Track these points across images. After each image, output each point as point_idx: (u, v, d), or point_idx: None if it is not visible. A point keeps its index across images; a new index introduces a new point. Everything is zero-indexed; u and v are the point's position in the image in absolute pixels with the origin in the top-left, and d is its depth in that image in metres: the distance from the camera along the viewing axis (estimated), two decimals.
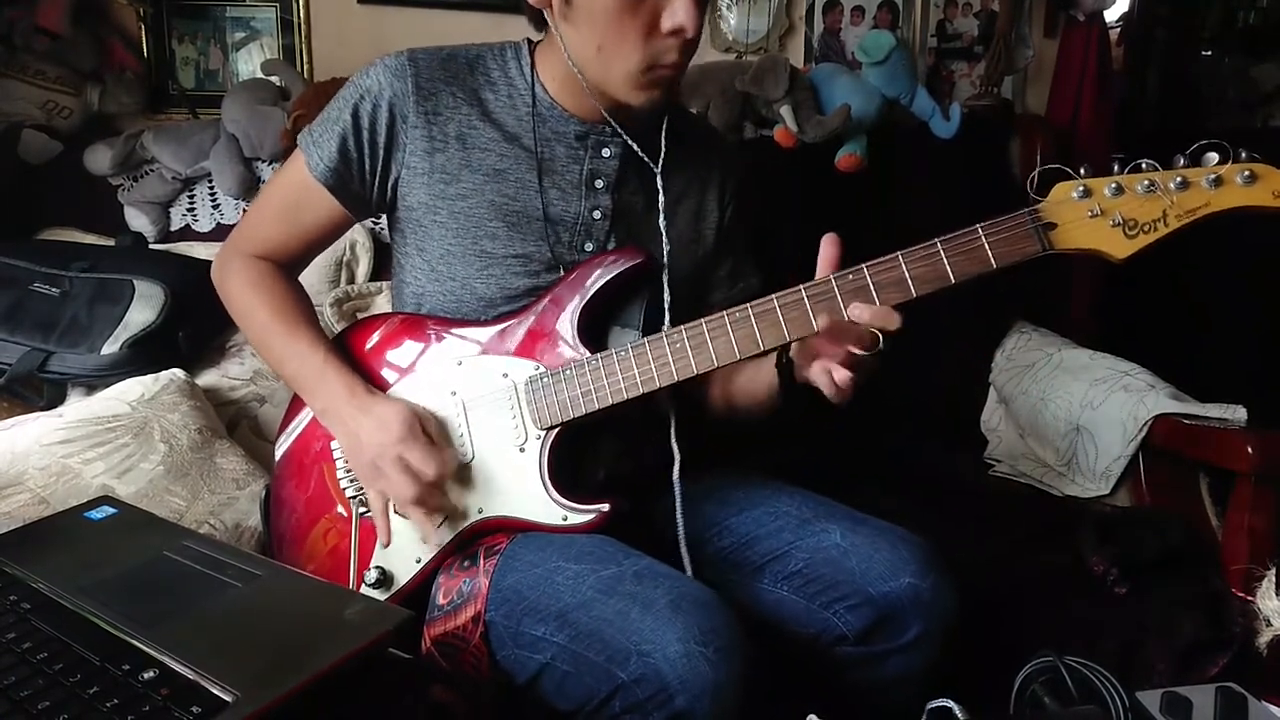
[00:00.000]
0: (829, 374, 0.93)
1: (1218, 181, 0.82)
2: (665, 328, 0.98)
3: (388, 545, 1.00)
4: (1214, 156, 0.83)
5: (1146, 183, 0.84)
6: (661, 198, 1.04)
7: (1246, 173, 0.82)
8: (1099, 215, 0.85)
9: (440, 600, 0.97)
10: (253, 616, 0.76)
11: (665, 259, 1.03)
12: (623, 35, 0.93)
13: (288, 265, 1.12)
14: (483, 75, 1.06)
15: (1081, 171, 0.86)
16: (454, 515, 1.00)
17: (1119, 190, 0.84)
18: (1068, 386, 1.67)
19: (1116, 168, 0.85)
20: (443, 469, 0.96)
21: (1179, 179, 0.83)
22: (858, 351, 0.90)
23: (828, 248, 0.93)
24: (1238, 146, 0.83)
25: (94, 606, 0.75)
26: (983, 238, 0.87)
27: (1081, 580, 1.34)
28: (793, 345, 0.99)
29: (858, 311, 0.88)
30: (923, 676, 0.99)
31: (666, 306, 1.00)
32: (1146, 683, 1.19)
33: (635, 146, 1.04)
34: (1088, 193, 0.85)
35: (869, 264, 0.90)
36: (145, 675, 0.66)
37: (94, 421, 1.27)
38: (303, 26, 1.80)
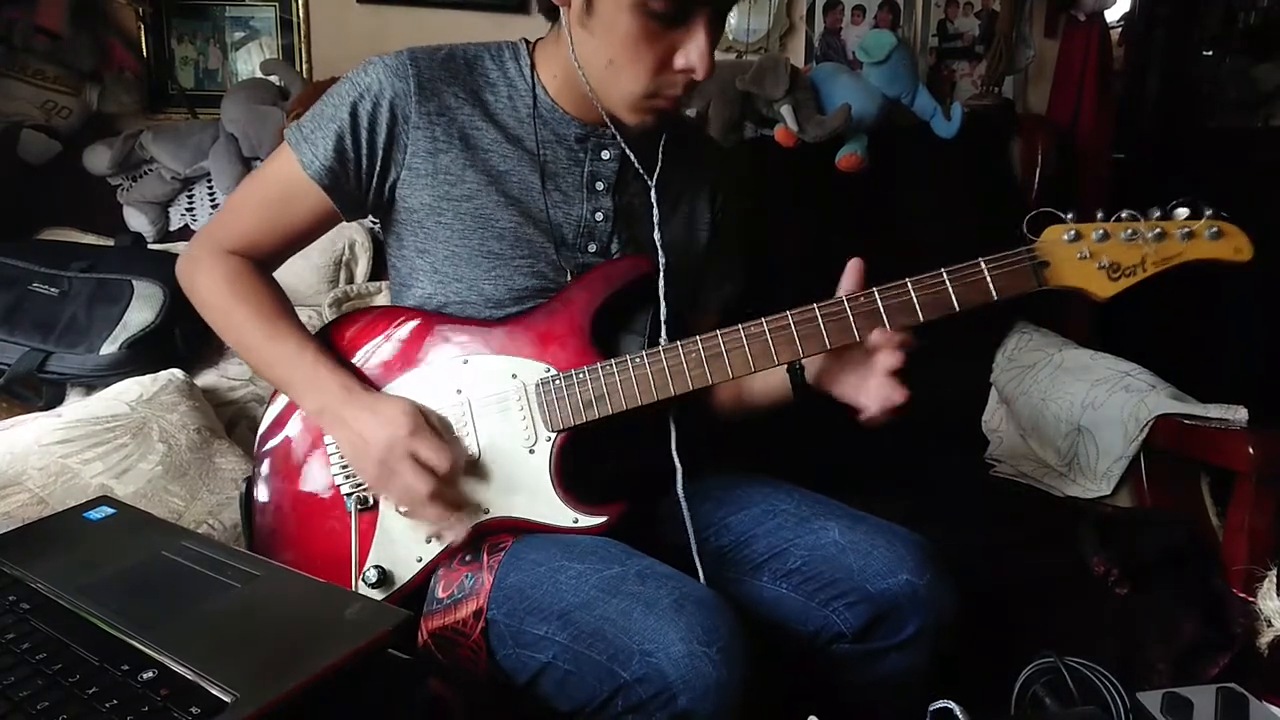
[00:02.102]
0: (879, 392, 1.00)
1: (1189, 235, 0.92)
2: (663, 340, 0.99)
3: (447, 539, 0.99)
4: (1184, 211, 0.93)
5: (1129, 231, 0.93)
6: (655, 211, 1.03)
7: (1214, 229, 0.92)
8: (1088, 258, 0.94)
9: (440, 594, 0.96)
10: (252, 617, 0.76)
11: (661, 270, 1.02)
12: (635, 60, 0.93)
13: (264, 261, 1.08)
14: (482, 75, 1.05)
15: (1069, 216, 0.94)
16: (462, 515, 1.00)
17: (1105, 236, 0.94)
18: (1069, 387, 1.67)
19: (1100, 215, 0.95)
20: (456, 461, 0.95)
21: (1157, 230, 0.92)
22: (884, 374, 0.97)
23: (852, 274, 0.98)
24: (1204, 206, 0.93)
25: (93, 607, 0.75)
26: (985, 272, 0.94)
27: (1082, 580, 1.34)
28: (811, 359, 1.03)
29: (877, 336, 0.95)
30: (921, 674, 0.99)
31: (663, 319, 1.00)
32: (1147, 683, 1.20)
33: (632, 156, 1.04)
34: (1078, 236, 0.94)
35: (880, 289, 0.95)
36: (144, 675, 0.66)
37: (93, 421, 1.27)
38: (302, 26, 1.80)
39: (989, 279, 0.94)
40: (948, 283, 0.94)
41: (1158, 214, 0.93)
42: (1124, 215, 0.93)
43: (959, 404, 1.89)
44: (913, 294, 0.94)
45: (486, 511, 1.00)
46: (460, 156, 1.02)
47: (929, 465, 1.70)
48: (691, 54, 0.92)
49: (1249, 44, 3.07)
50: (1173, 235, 0.92)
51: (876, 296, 0.95)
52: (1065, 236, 0.94)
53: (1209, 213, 0.92)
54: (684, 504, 0.99)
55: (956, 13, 2.20)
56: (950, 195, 1.90)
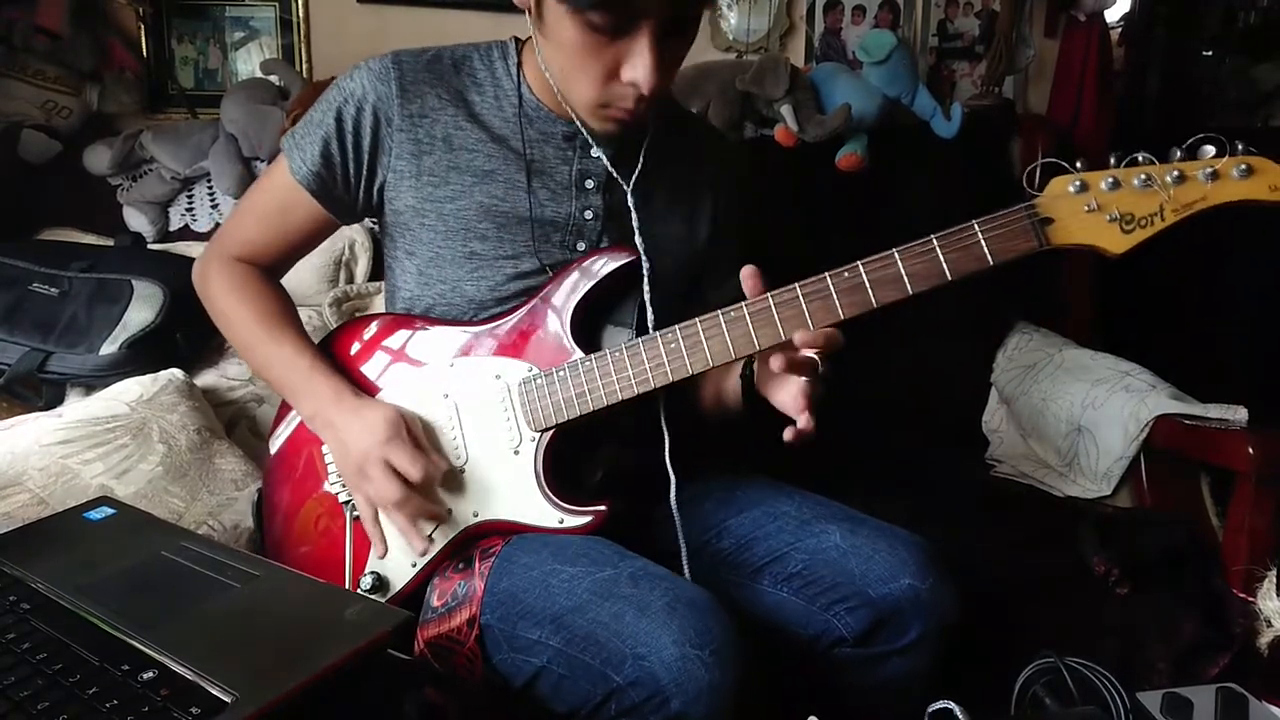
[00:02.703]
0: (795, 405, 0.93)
1: (1214, 175, 0.81)
2: (629, 338, 0.97)
3: (384, 555, 1.00)
4: (1210, 150, 0.82)
5: (1143, 177, 0.82)
6: (635, 217, 1.01)
7: (1243, 166, 0.80)
8: (1096, 210, 0.84)
9: (435, 602, 0.97)
10: (252, 617, 0.76)
11: (645, 275, 1.00)
12: (583, 70, 0.92)
13: (270, 268, 1.11)
14: (468, 76, 1.05)
15: (1078, 165, 0.84)
16: (449, 520, 0.99)
17: (1115, 184, 0.83)
18: (1069, 387, 1.67)
19: (1113, 162, 0.84)
20: (428, 471, 0.95)
21: (1175, 173, 0.82)
22: (799, 379, 0.91)
23: (749, 280, 0.91)
24: (1235, 141, 0.82)
25: (93, 607, 0.75)
26: (979, 234, 0.86)
27: (1082, 580, 1.34)
28: (755, 359, 0.99)
29: (798, 336, 0.88)
30: (923, 678, 0.98)
31: (650, 324, 0.98)
32: (1147, 683, 1.20)
33: (606, 161, 1.03)
34: (1084, 187, 0.84)
35: (864, 261, 0.88)
36: (144, 676, 0.66)
37: (93, 422, 1.27)
38: (302, 26, 1.80)
39: (983, 242, 0.85)
40: (938, 249, 0.86)
41: (1179, 155, 0.82)
42: (1139, 159, 0.83)
43: (959, 404, 1.89)
44: (899, 264, 0.86)
45: (476, 515, 1.00)
46: (444, 158, 1.02)
47: (929, 465, 1.70)
48: (638, 69, 0.89)
49: (1249, 44, 3.07)
50: (1194, 177, 0.81)
51: (861, 270, 0.87)
52: (1071, 188, 0.84)
53: (1239, 148, 0.80)
54: (676, 516, 0.98)
55: (956, 13, 2.20)
56: (950, 195, 1.90)
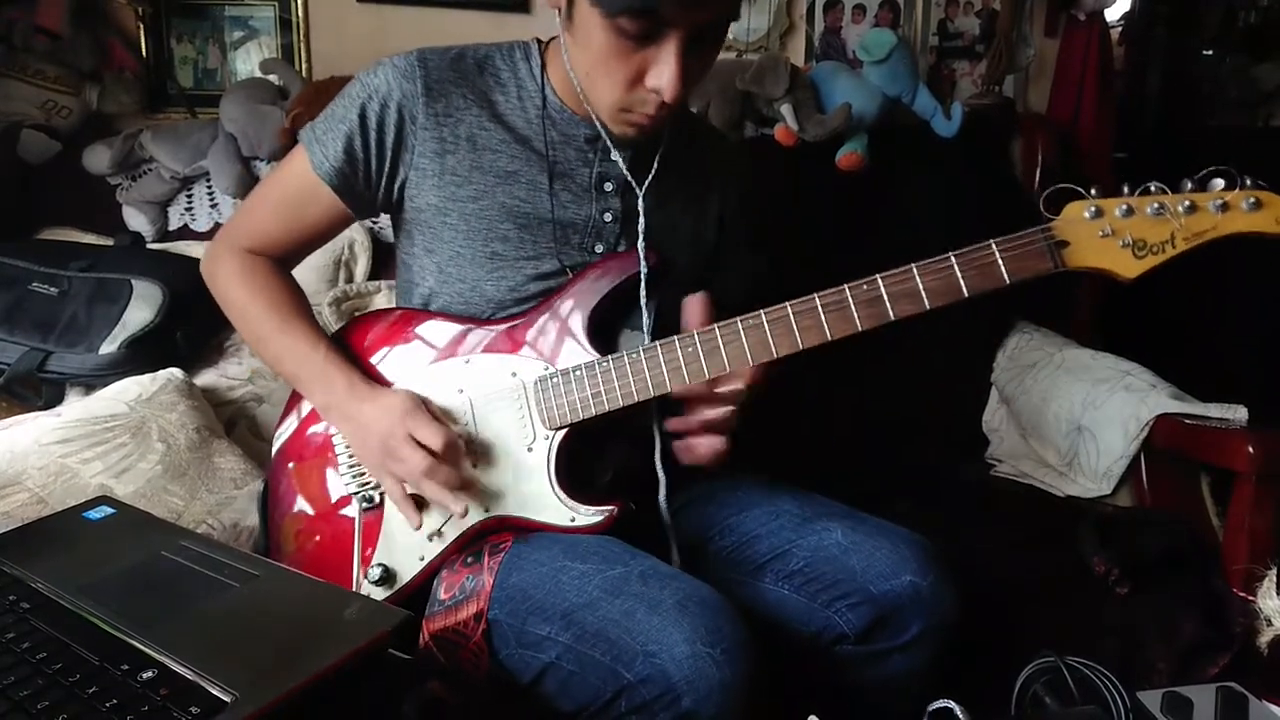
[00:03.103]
0: (694, 442, 0.99)
1: (1224, 207, 0.85)
2: (644, 342, 0.98)
3: (419, 528, 1.00)
4: (1220, 183, 0.86)
5: (1156, 205, 0.86)
6: (642, 221, 1.02)
7: (1252, 200, 0.85)
8: (1110, 235, 0.87)
9: (442, 595, 0.97)
10: (251, 617, 0.76)
11: (643, 279, 1.01)
12: (608, 74, 0.92)
13: (282, 260, 1.11)
14: (492, 76, 1.05)
15: (1093, 192, 0.88)
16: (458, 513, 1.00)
17: (1129, 211, 0.87)
18: (1069, 386, 1.67)
19: (1126, 189, 0.88)
20: (451, 438, 0.96)
21: (1187, 203, 0.86)
22: (716, 413, 0.97)
23: (695, 311, 0.98)
24: (1242, 172, 0.87)
25: (93, 606, 0.75)
26: (996, 253, 0.88)
27: (1082, 580, 1.34)
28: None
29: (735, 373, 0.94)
30: (923, 675, 0.99)
31: (646, 326, 1.00)
32: (1147, 683, 1.20)
33: (622, 165, 1.03)
34: (1099, 213, 0.87)
35: (884, 275, 0.90)
36: (144, 675, 0.66)
37: (92, 421, 1.27)
38: (301, 25, 1.80)
39: (1000, 262, 0.88)
40: (956, 267, 0.88)
41: (1190, 186, 0.87)
42: (1152, 188, 0.87)
43: (959, 404, 1.89)
44: (918, 279, 0.89)
45: (486, 510, 1.00)
46: (467, 157, 1.02)
47: (930, 465, 1.70)
48: (663, 76, 0.89)
49: (1249, 43, 3.08)
50: (1205, 208, 0.85)
51: (880, 283, 0.90)
52: (1086, 213, 0.87)
53: (1247, 182, 0.85)
54: (666, 516, 1.00)
55: (957, 12, 2.20)
56: (951, 194, 1.90)
